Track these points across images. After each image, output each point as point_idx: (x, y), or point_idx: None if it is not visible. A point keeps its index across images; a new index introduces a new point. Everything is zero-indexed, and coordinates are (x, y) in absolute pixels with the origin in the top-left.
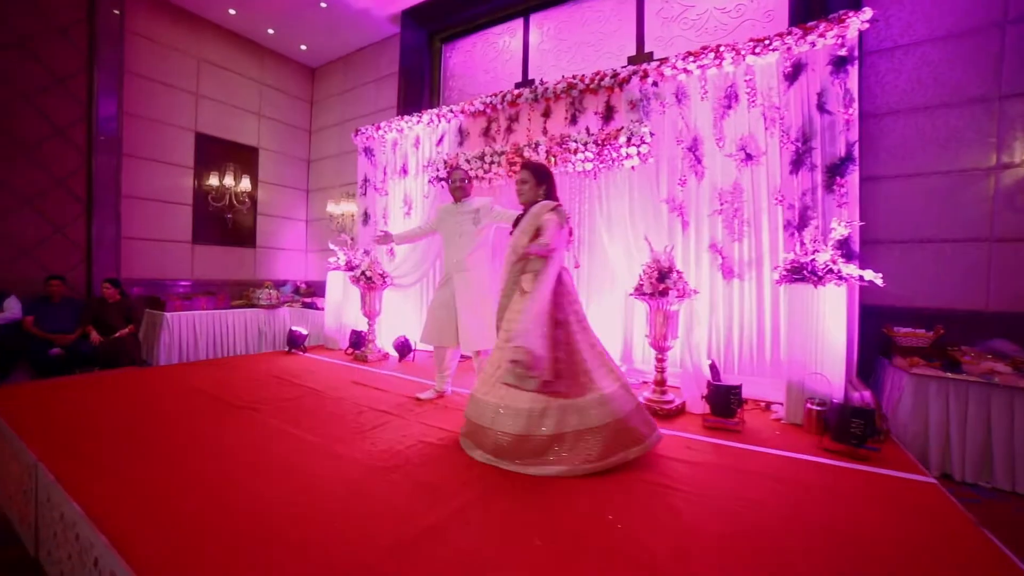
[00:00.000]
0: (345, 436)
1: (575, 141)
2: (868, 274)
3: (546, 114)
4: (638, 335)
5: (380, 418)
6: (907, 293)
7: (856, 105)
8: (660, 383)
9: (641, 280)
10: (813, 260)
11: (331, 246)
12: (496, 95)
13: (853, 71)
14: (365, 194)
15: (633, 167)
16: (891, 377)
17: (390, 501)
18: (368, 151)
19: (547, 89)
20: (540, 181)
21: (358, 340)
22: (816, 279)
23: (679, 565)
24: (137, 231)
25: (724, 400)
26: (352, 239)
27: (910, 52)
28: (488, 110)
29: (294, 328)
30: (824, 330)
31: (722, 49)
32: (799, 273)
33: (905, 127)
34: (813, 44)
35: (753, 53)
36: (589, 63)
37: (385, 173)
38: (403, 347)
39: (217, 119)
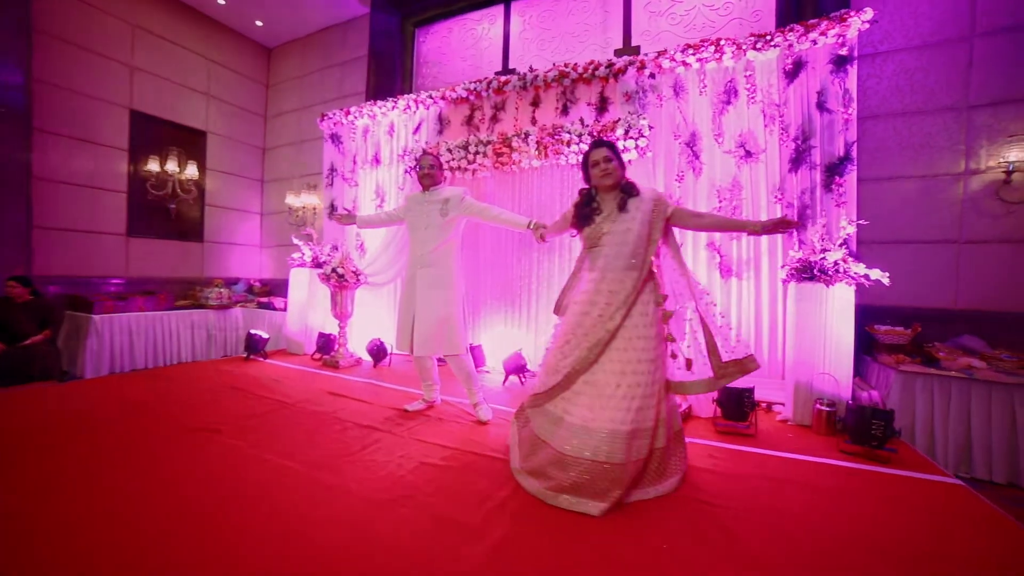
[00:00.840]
0: (331, 460)
1: (568, 132)
2: (875, 273)
3: (535, 103)
4: None
5: (368, 436)
6: (886, 292)
7: (855, 105)
8: None
9: None
10: (823, 259)
11: (295, 241)
12: (480, 81)
13: (852, 71)
14: (332, 184)
15: (630, 161)
16: (877, 374)
17: (404, 544)
18: (335, 138)
19: (536, 77)
20: (620, 160)
21: (326, 344)
22: (827, 278)
23: None
24: (54, 220)
25: (737, 403)
26: (317, 234)
27: (889, 59)
28: (472, 97)
29: (253, 331)
30: (832, 330)
31: (723, 43)
32: (808, 272)
33: (884, 131)
34: (814, 42)
35: (754, 48)
36: (574, 55)
37: (355, 162)
38: (378, 351)
39: (157, 96)
